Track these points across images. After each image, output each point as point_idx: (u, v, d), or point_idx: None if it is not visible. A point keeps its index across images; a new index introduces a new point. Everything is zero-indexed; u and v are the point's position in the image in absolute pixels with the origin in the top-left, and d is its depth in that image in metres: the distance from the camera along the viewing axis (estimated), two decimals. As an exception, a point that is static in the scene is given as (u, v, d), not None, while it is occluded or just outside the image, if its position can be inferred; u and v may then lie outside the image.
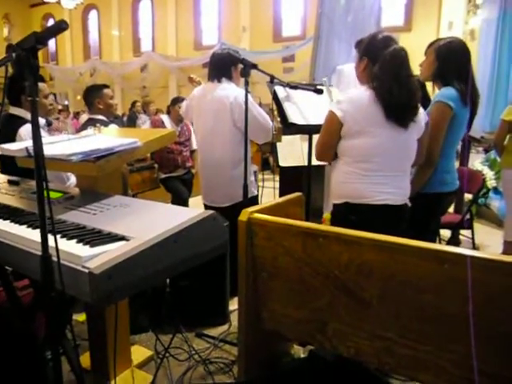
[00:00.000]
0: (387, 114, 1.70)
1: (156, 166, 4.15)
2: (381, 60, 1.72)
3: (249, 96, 2.28)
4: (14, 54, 0.92)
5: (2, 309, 1.90)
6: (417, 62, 2.11)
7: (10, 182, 1.87)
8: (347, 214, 1.79)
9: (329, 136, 1.83)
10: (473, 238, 3.63)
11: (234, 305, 2.49)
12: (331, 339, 1.53)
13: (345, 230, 1.44)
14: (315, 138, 2.10)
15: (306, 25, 12.65)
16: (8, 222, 1.34)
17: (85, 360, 1.95)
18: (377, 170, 1.75)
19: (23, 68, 0.92)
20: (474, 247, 3.64)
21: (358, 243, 1.38)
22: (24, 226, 1.28)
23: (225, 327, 2.45)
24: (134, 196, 3.46)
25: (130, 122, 8.03)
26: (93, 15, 17.60)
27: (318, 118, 2.16)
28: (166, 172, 4.05)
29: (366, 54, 1.81)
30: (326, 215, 3.14)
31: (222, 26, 14.38)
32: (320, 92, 2.24)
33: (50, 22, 18.62)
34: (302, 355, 2.12)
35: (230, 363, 2.10)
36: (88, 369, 1.93)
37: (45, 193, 1.01)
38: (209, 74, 2.64)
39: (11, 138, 2.26)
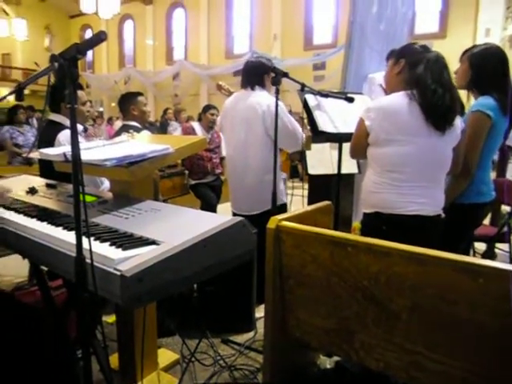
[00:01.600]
0: (427, 117, 1.66)
1: (186, 172, 4.21)
2: (425, 62, 1.70)
3: (281, 104, 2.29)
4: (56, 64, 0.97)
5: (37, 307, 1.97)
6: (452, 70, 2.07)
7: (47, 186, 1.95)
8: (378, 223, 1.76)
9: (358, 140, 1.86)
10: (510, 252, 3.48)
11: (260, 312, 2.48)
12: (358, 351, 1.50)
13: (375, 240, 1.41)
14: (345, 146, 2.10)
15: (337, 33, 12.62)
16: (45, 223, 1.39)
17: (113, 361, 1.99)
18: (407, 180, 1.72)
19: (64, 77, 0.96)
20: None
21: (389, 254, 1.35)
22: (60, 228, 1.32)
23: (250, 334, 2.45)
24: (164, 201, 3.52)
25: (162, 128, 8.20)
26: (128, 25, 18.20)
27: (348, 127, 2.14)
28: (196, 178, 4.11)
29: (404, 57, 1.79)
30: (356, 224, 3.10)
31: (253, 34, 14.54)
32: (351, 100, 2.22)
33: (88, 32, 19.39)
34: (328, 366, 2.09)
35: (255, 370, 2.09)
36: (116, 369, 1.97)
37: (81, 196, 1.05)
38: (242, 81, 2.66)
39: (50, 143, 2.35)
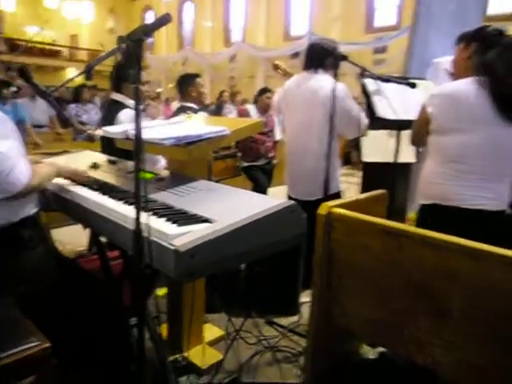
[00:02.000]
0: (498, 106, 1.56)
1: (239, 154, 4.25)
2: (498, 48, 1.59)
3: (345, 89, 2.22)
4: (123, 45, 1.01)
5: (96, 275, 2.10)
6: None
7: (109, 161, 2.05)
8: (435, 215, 1.69)
9: (419, 128, 1.80)
10: None
11: (305, 297, 2.49)
12: (407, 345, 1.47)
13: (431, 232, 1.36)
14: (404, 134, 2.02)
15: (401, 14, 12.00)
16: (106, 197, 1.47)
17: (162, 331, 2.09)
18: (470, 171, 1.63)
19: (130, 57, 1.00)
20: None
21: (445, 248, 1.30)
22: (120, 202, 1.39)
23: (295, 318, 2.47)
24: (216, 182, 3.59)
25: (217, 111, 8.30)
26: (188, 7, 18.44)
27: (409, 114, 2.05)
28: (249, 161, 4.14)
29: (475, 40, 1.67)
30: (412, 215, 2.99)
31: (312, 16, 14.19)
32: (413, 86, 2.12)
33: (149, 14, 19.89)
34: (372, 356, 2.06)
35: (298, 354, 2.12)
36: (164, 339, 2.07)
37: (141, 173, 1.09)
38: (305, 63, 2.59)
39: (112, 121, 2.46)
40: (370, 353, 2.08)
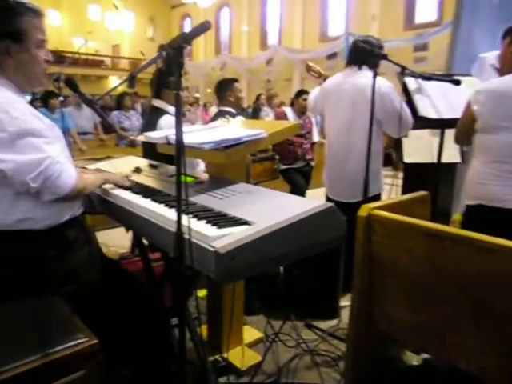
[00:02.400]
0: None
1: (277, 157, 4.26)
2: None
3: (392, 87, 2.18)
4: (164, 53, 1.04)
5: (138, 277, 2.17)
6: None
7: (150, 166, 2.11)
8: (481, 216, 1.63)
9: (464, 126, 1.75)
10: None
11: (345, 301, 2.46)
12: (450, 350, 1.42)
13: (477, 234, 1.30)
14: (448, 133, 1.95)
15: (442, 9, 11.59)
16: (149, 200, 1.51)
17: (202, 332, 2.12)
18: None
19: (171, 65, 1.03)
20: None
21: (492, 250, 1.24)
22: (162, 205, 1.43)
23: (334, 322, 2.44)
24: (255, 185, 3.62)
25: (254, 114, 8.37)
26: (225, 12, 18.71)
27: (453, 112, 1.98)
28: (286, 163, 4.14)
29: None
30: (457, 216, 2.88)
31: (349, 15, 14.00)
32: (458, 83, 2.04)
33: (187, 21, 20.36)
34: (415, 363, 2.00)
35: (337, 358, 2.09)
36: (204, 340, 2.11)
37: (182, 177, 1.12)
38: (348, 60, 2.57)
39: (153, 127, 2.54)
40: (414, 359, 2.02)
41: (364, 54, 2.45)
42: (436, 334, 1.46)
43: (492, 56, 2.31)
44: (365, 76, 2.43)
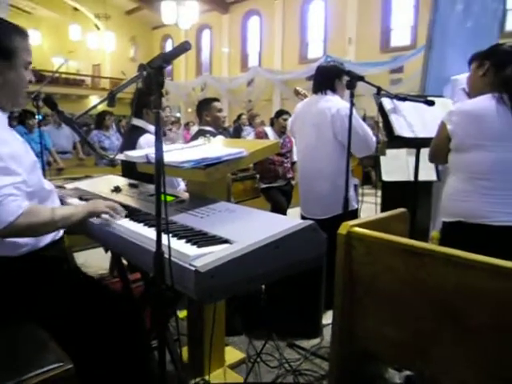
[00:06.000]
0: None
1: (257, 175, 4.28)
2: None
3: (350, 108, 2.24)
4: (144, 72, 1.05)
5: (117, 298, 2.12)
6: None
7: (130, 185, 2.09)
8: (459, 233, 1.66)
9: (438, 145, 1.80)
10: None
11: (327, 319, 2.45)
12: (432, 367, 1.42)
13: (455, 250, 1.33)
14: (423, 152, 2.01)
15: (416, 34, 12.05)
16: (128, 219, 1.50)
17: (183, 354, 2.07)
18: (496, 187, 1.60)
19: (151, 84, 1.04)
20: None
21: (471, 266, 1.27)
22: (141, 224, 1.42)
23: (317, 340, 2.42)
24: (236, 204, 3.61)
25: (235, 133, 8.42)
26: (205, 34, 18.99)
27: (427, 131, 2.05)
28: (267, 182, 4.16)
29: (489, 58, 1.68)
30: (435, 233, 2.93)
31: (327, 39, 14.39)
32: (431, 103, 2.12)
33: (168, 42, 20.55)
34: (398, 381, 2.00)
35: (320, 377, 2.07)
36: (185, 362, 2.06)
37: (162, 196, 1.11)
38: (313, 86, 2.68)
39: (132, 146, 2.53)
40: (396, 377, 2.02)
41: (328, 79, 2.60)
42: (417, 350, 1.46)
43: (462, 79, 2.40)
44: (328, 100, 2.56)
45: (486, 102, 1.61)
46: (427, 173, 2.84)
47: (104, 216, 1.52)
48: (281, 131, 4.16)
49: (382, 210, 3.03)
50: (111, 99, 1.35)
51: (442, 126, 1.73)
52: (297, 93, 3.17)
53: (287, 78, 14.06)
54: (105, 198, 1.77)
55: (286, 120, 4.05)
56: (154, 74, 1.04)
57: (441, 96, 2.60)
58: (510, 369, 1.22)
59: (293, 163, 4.23)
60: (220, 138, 2.91)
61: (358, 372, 1.85)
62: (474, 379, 1.30)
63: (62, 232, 1.55)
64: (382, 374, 2.03)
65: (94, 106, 1.69)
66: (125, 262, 2.21)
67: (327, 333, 2.36)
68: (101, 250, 1.90)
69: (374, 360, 1.87)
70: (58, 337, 1.30)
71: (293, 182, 4.25)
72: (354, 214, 2.59)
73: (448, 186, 1.78)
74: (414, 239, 1.52)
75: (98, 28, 19.36)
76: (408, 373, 1.94)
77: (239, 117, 9.18)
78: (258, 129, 5.54)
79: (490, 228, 1.61)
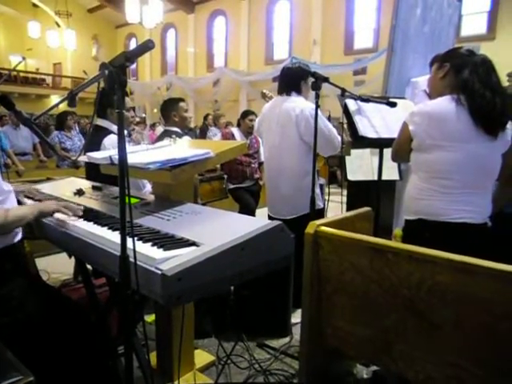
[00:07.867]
0: (477, 122, 1.61)
1: (225, 176, 4.26)
2: (471, 65, 1.67)
3: (315, 108, 2.27)
4: (106, 71, 1.02)
5: (81, 303, 2.05)
6: (501, 73, 1.98)
7: (93, 188, 2.03)
8: (421, 231, 1.71)
9: (400, 145, 1.84)
10: None
11: (296, 318, 2.47)
12: (397, 361, 1.46)
13: (417, 247, 1.37)
14: (386, 152, 2.06)
15: (378, 37, 12.39)
16: (91, 223, 1.45)
17: (151, 359, 2.03)
18: (455, 186, 1.66)
19: (113, 83, 1.01)
20: None
21: (432, 262, 1.31)
22: (105, 228, 1.38)
23: (286, 339, 2.44)
24: (203, 205, 3.58)
25: (202, 134, 8.36)
26: (170, 33, 18.72)
27: (390, 132, 2.10)
28: (235, 183, 4.15)
29: (449, 61, 1.74)
30: (397, 231, 3.02)
31: (293, 40, 14.54)
32: (393, 105, 2.18)
33: (133, 41, 20.14)
34: (366, 376, 2.04)
35: (290, 376, 2.08)
36: (154, 367, 2.02)
37: (126, 198, 1.08)
38: (279, 87, 2.70)
39: (97, 147, 2.46)
40: (364, 372, 2.06)
41: (292, 80, 2.63)
42: (383, 346, 1.50)
43: (423, 81, 2.49)
44: (293, 101, 2.60)
45: (445, 104, 1.67)
46: (390, 172, 2.92)
47: (58, 216, 1.48)
48: (247, 132, 4.16)
49: (348, 209, 3.08)
50: (71, 99, 1.31)
51: (404, 126, 1.77)
52: (264, 96, 3.22)
53: (253, 78, 14.09)
54: (66, 202, 1.70)
55: (252, 121, 4.06)
56: (116, 73, 1.01)
57: (402, 98, 2.68)
58: (474, 362, 1.27)
59: (260, 164, 4.25)
60: (186, 138, 2.88)
61: (328, 369, 1.88)
62: (439, 373, 1.35)
63: (17, 237, 1.48)
64: (351, 369, 2.07)
65: (54, 106, 1.63)
66: (89, 266, 2.14)
67: (296, 331, 2.38)
68: (65, 255, 1.82)
69: (343, 357, 1.90)
70: (17, 349, 1.24)
71: (261, 183, 4.26)
72: (321, 214, 2.63)
73: (410, 185, 1.83)
74: (377, 237, 1.56)
75: (59, 25, 18.69)
76: (375, 368, 1.98)
77: (206, 117, 9.12)
78: (224, 130, 5.53)
79: (451, 225, 1.67)
